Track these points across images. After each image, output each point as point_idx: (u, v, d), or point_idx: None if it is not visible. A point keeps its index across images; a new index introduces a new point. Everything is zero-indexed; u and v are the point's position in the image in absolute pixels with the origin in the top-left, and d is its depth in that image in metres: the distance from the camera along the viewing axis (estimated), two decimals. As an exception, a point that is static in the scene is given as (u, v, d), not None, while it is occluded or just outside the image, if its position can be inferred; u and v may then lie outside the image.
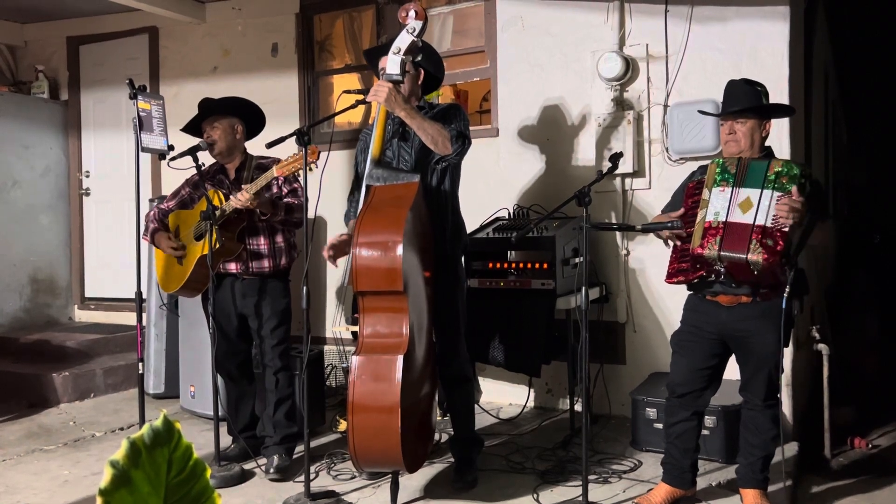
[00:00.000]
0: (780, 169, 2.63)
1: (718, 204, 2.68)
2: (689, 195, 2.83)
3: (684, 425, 2.92)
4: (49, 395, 4.70)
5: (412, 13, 2.86)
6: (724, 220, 2.65)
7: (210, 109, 3.53)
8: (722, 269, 2.67)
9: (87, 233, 6.13)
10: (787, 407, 3.78)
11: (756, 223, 2.59)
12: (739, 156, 2.76)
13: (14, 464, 3.67)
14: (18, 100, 5.90)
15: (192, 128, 3.59)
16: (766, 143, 2.86)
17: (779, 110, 3.00)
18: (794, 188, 2.58)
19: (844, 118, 10.73)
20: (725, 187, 2.68)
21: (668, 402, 3.00)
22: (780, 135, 3.80)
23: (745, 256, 2.58)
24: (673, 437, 2.95)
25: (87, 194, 6.11)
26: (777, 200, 2.58)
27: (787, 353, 3.72)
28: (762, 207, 2.60)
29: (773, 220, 2.58)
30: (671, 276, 2.81)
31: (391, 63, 2.87)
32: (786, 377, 3.73)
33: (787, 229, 2.57)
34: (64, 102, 6.11)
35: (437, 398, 3.17)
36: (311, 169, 3.00)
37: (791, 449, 3.61)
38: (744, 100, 2.79)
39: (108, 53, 5.97)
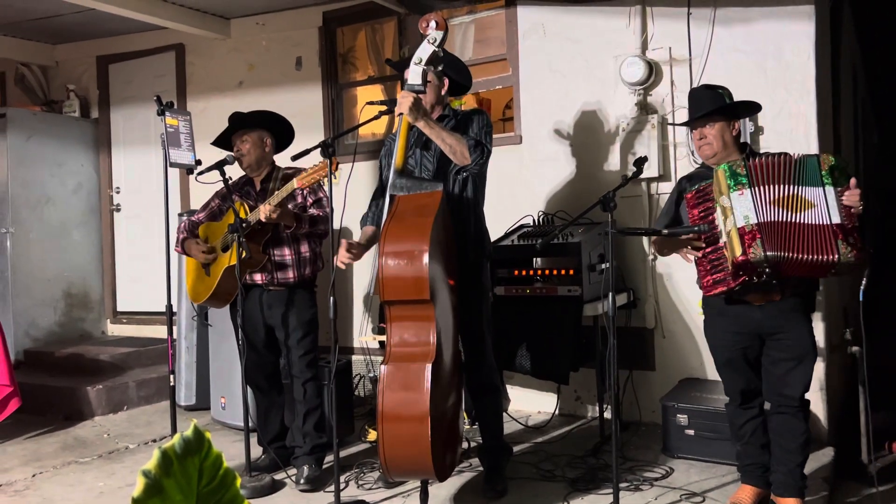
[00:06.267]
0: (833, 163, 2.60)
1: (745, 207, 2.61)
2: (693, 206, 2.78)
3: (754, 423, 2.92)
4: (84, 408, 4.78)
5: (433, 24, 2.88)
6: (755, 221, 2.58)
7: (240, 122, 3.59)
8: (767, 270, 2.60)
9: (119, 248, 6.24)
10: (821, 412, 3.71)
11: (832, 222, 2.53)
12: (728, 159, 2.76)
13: (51, 476, 3.74)
14: (51, 119, 6.03)
15: (222, 141, 3.65)
16: (742, 141, 2.90)
17: (744, 108, 3.02)
18: (852, 180, 2.56)
19: (875, 118, 10.52)
20: (743, 190, 2.62)
21: (731, 409, 2.98)
22: (807, 136, 3.76)
23: (834, 258, 2.50)
24: (747, 437, 2.93)
25: (118, 210, 6.22)
26: (839, 195, 2.55)
27: (820, 356, 3.65)
28: (831, 205, 2.55)
29: (844, 214, 2.53)
30: (710, 289, 2.75)
31: (412, 74, 2.90)
32: (819, 381, 3.66)
33: (857, 223, 2.54)
34: (94, 120, 6.24)
35: (463, 406, 3.17)
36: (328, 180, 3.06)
37: (827, 455, 3.54)
38: (707, 104, 2.84)
39: (137, 71, 6.08)
